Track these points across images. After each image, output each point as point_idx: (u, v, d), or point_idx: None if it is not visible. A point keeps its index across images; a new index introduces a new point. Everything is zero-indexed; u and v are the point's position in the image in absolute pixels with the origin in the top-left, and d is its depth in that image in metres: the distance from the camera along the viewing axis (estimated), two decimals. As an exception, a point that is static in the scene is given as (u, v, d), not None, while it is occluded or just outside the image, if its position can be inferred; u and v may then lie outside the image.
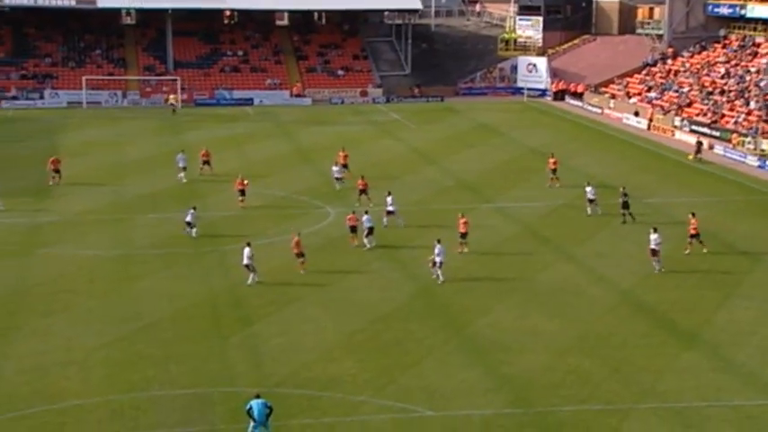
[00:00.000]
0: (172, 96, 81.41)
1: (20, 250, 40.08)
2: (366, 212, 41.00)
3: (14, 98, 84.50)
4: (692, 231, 39.83)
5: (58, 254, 39.68)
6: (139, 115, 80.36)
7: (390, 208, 44.35)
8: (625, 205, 44.99)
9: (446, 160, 61.60)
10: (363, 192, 47.70)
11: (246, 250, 35.44)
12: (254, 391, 24.96)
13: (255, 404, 23.48)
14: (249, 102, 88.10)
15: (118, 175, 56.33)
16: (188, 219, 42.04)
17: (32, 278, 36.41)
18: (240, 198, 47.35)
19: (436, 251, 36.14)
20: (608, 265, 38.75)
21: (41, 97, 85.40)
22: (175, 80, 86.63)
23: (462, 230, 39.68)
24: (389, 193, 45.33)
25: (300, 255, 36.70)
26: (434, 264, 36.07)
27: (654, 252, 37.66)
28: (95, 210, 47.41)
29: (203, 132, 71.61)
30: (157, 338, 30.39)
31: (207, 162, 54.93)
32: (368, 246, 40.15)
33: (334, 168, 51.81)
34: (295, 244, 36.82)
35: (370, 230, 40.31)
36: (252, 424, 23.44)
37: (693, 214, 40.72)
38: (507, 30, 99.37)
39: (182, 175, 53.57)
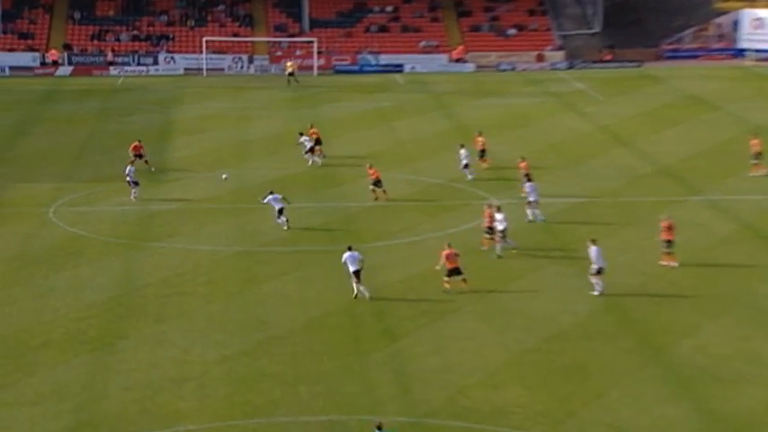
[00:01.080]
0: (289, 63, 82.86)
1: (129, 244, 41.89)
2: (498, 209, 40.41)
3: (124, 64, 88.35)
4: None
5: (173, 249, 41.25)
6: (268, 84, 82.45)
7: (531, 198, 43.95)
8: None
9: (643, 141, 60.38)
10: (528, 177, 47.14)
11: (351, 254, 35.26)
12: (401, 420, 25.17)
13: None
14: (399, 68, 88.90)
15: (241, 156, 58.02)
16: (279, 205, 42.91)
17: (143, 277, 38.01)
18: (382, 190, 47.57)
19: (593, 255, 35.46)
20: None
21: (155, 62, 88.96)
22: (311, 42, 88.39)
23: (666, 237, 38.65)
24: (528, 179, 44.93)
25: (456, 271, 35.87)
26: (597, 272, 35.35)
27: None
28: (215, 197, 49.01)
29: (343, 105, 72.83)
30: (285, 353, 31.15)
31: (318, 142, 55.78)
32: (498, 252, 39.51)
33: (462, 152, 51.51)
34: (446, 257, 35.97)
35: (503, 233, 39.67)
36: None
37: None
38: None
39: (314, 157, 54.55)
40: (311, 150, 54.62)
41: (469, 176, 51.02)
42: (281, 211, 43.03)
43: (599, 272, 35.39)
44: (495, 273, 37.90)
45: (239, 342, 31.95)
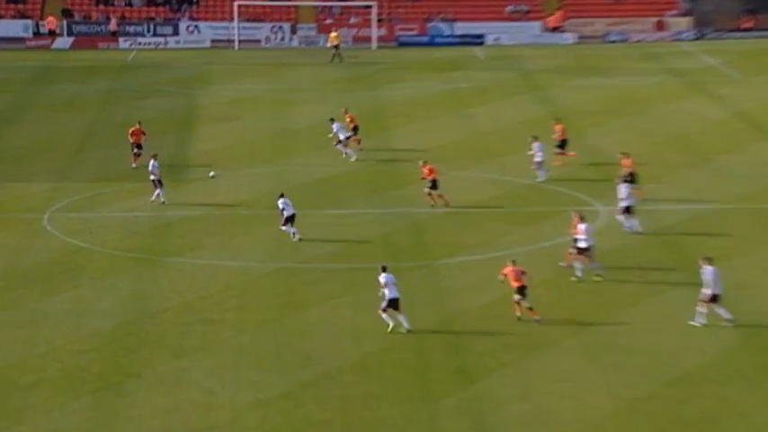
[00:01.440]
0: (333, 34, 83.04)
1: (142, 259, 42.29)
2: (582, 219, 39.91)
3: (137, 34, 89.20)
4: None
5: (195, 265, 41.55)
6: (315, 60, 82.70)
7: (626, 203, 43.72)
8: None
9: (792, 132, 59.95)
10: (631, 178, 46.64)
11: (390, 276, 35.27)
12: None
13: None
14: (479, 40, 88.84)
15: (282, 149, 58.41)
16: (290, 211, 43.23)
17: (158, 301, 38.29)
18: (438, 194, 47.32)
19: (707, 278, 35.06)
20: None
21: (175, 32, 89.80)
22: (369, 7, 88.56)
23: None
24: (630, 179, 44.67)
25: (520, 291, 35.81)
26: (710, 299, 34.94)
27: None
28: (248, 201, 49.27)
29: (408, 87, 72.89)
30: (336, 396, 31.20)
31: (355, 129, 56.20)
32: (577, 273, 39.02)
33: (535, 146, 51.29)
34: (509, 275, 35.78)
35: (583, 251, 39.10)
36: None
37: None
38: None
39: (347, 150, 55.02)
40: (346, 141, 54.95)
41: (541, 177, 51.04)
42: (291, 219, 43.32)
43: (713, 299, 34.99)
44: (599, 298, 37.73)
45: (278, 382, 32.08)
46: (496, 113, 65.55)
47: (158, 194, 48.22)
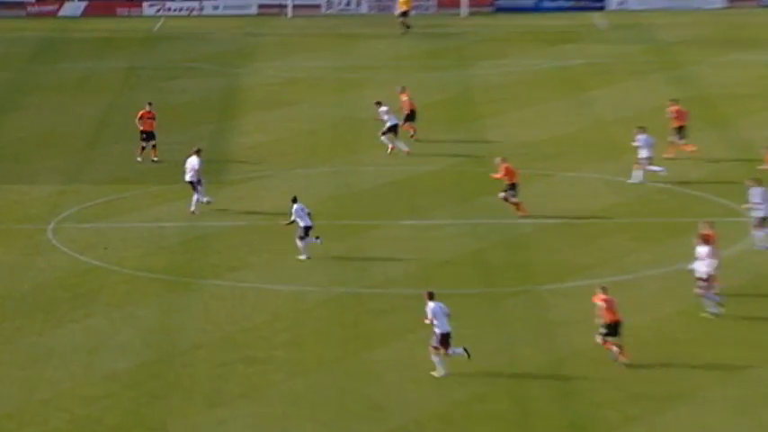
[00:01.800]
0: None
1: (169, 282, 42.59)
2: (705, 239, 38.96)
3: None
4: None
5: (236, 289, 41.80)
6: (389, 30, 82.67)
7: (762, 212, 43.60)
8: None
9: None
10: None
11: (436, 306, 35.53)
12: None
13: None
14: (599, 3, 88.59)
15: (345, 144, 58.71)
16: (307, 221, 43.62)
17: (191, 333, 38.54)
18: (508, 198, 47.35)
19: None
20: None
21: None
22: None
23: None
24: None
25: (613, 327, 35.74)
26: None
27: None
28: (304, 209, 49.61)
29: (508, 64, 72.76)
30: (413, 457, 31.42)
31: (412, 113, 56.59)
32: (708, 308, 38.60)
33: (640, 137, 51.00)
34: (608, 306, 35.73)
35: (702, 281, 38.66)
36: None
37: None
38: None
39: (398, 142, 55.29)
40: (393, 130, 55.13)
41: (661, 172, 51.01)
42: (307, 230, 43.69)
43: None
44: (753, 336, 37.44)
45: (339, 438, 32.31)
46: (621, 98, 65.23)
47: (196, 200, 48.45)
